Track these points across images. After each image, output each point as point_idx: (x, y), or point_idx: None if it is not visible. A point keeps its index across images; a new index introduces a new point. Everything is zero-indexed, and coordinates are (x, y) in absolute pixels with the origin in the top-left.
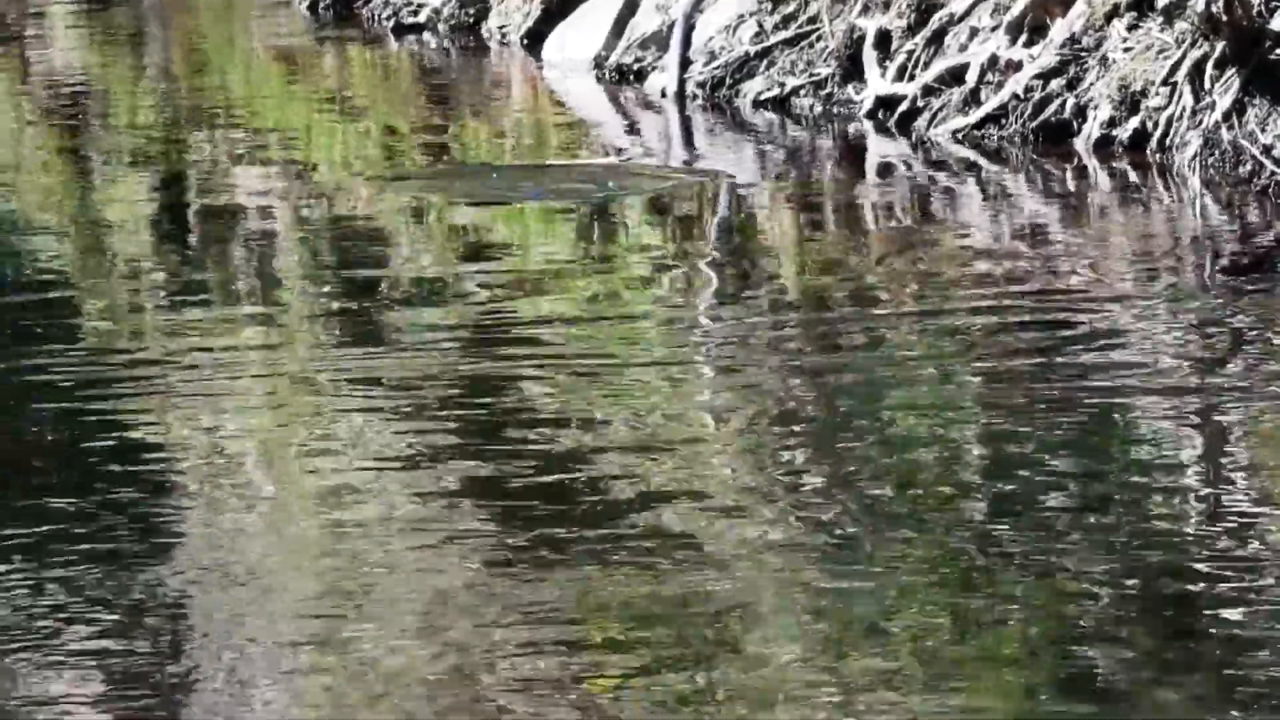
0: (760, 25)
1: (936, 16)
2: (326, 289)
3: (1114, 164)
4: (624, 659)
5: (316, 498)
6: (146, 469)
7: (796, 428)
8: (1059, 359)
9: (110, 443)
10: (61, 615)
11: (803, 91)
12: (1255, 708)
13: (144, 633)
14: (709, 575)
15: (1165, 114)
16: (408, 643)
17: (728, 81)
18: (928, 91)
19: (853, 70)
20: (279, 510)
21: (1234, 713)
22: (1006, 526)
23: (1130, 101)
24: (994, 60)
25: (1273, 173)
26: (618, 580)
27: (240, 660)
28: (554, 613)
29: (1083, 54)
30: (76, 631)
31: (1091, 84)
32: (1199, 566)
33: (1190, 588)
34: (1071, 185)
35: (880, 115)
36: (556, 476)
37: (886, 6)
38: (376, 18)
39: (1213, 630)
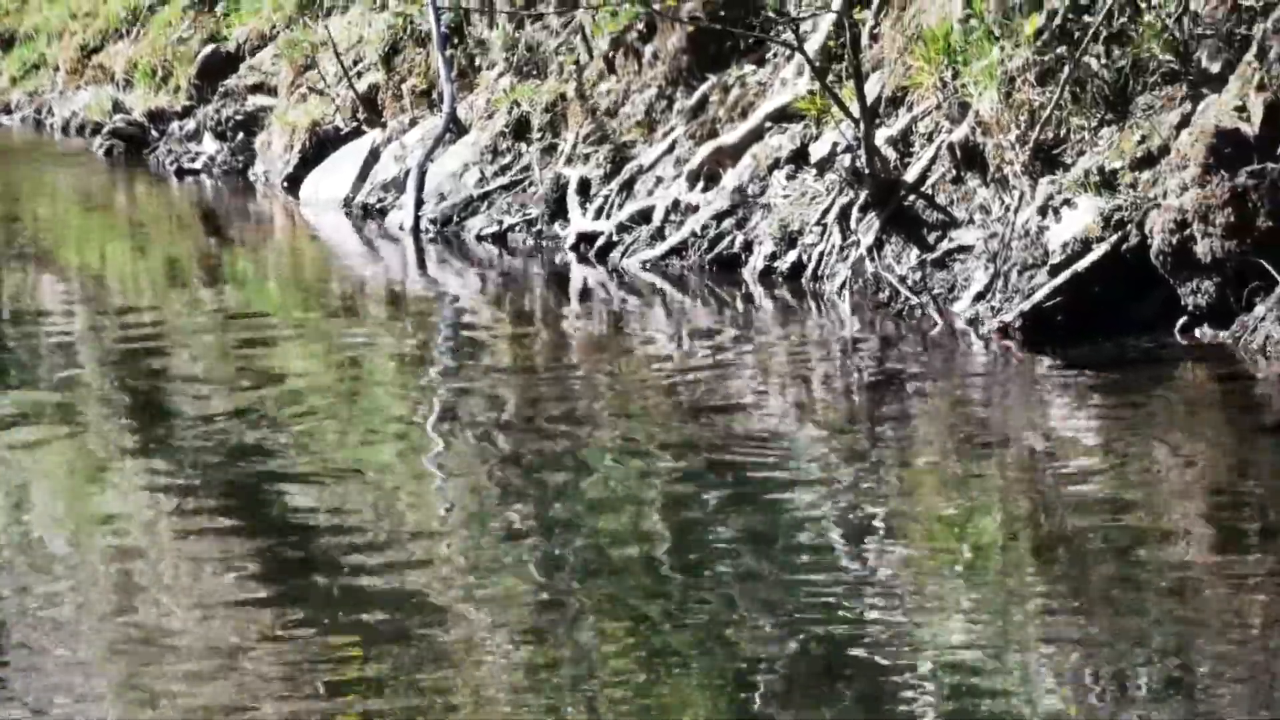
0: (482, 172)
1: (628, 167)
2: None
3: (775, 290)
4: None
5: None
6: None
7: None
8: (724, 450)
9: None
10: None
11: (517, 228)
12: None
13: None
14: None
15: (818, 249)
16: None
17: (455, 218)
18: (621, 228)
19: (559, 210)
20: None
21: None
22: (685, 583)
23: (789, 238)
24: (676, 203)
25: (906, 298)
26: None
27: None
28: None
29: (750, 199)
30: None
31: (757, 224)
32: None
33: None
34: (740, 308)
35: (582, 248)
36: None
37: (586, 159)
38: (161, 163)
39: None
